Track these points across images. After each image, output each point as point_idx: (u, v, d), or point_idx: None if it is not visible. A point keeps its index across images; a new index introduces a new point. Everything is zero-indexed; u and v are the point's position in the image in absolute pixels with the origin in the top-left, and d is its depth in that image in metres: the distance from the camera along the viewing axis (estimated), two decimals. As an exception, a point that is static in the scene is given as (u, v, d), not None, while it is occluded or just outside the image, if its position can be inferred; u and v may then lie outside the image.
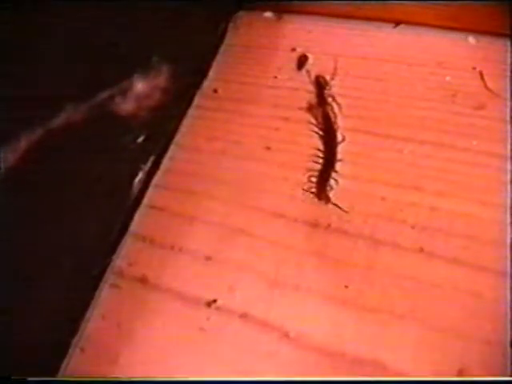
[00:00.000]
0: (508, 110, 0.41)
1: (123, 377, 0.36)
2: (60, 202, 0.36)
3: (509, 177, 0.38)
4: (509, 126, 0.40)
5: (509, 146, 0.40)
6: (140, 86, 0.36)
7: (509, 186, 0.38)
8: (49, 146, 0.30)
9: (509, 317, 0.33)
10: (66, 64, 0.32)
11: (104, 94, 0.34)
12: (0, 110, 0.28)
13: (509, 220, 0.37)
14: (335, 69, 0.39)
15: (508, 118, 0.41)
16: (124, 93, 0.35)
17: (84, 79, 0.33)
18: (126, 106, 0.35)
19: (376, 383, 0.33)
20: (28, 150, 0.29)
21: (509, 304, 0.34)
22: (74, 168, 0.35)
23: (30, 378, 0.31)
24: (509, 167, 0.39)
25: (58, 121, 0.30)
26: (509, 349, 0.32)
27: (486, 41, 0.45)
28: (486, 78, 0.43)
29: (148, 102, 0.36)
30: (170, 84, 0.39)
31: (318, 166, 0.38)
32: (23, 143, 0.29)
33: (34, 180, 0.32)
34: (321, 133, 0.37)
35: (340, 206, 0.38)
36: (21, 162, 0.29)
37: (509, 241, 0.36)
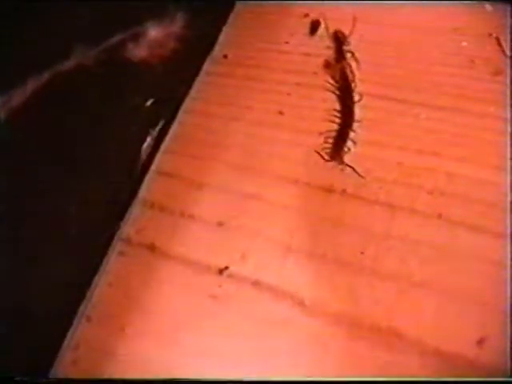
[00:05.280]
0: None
1: (122, 377, 0.35)
2: (65, 161, 0.34)
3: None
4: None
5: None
6: (153, 33, 0.35)
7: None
8: (56, 91, 0.29)
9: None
10: (76, 5, 0.30)
11: (115, 39, 0.32)
12: (6, 50, 0.26)
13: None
14: (350, 33, 0.38)
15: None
16: (136, 39, 0.34)
17: (95, 21, 0.32)
18: (138, 53, 0.34)
19: (376, 383, 0.32)
20: (34, 93, 0.27)
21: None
22: (81, 122, 0.34)
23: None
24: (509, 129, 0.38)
25: (67, 65, 0.29)
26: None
27: (502, 8, 0.44)
28: (503, 44, 0.42)
29: (161, 51, 0.35)
30: (183, 35, 0.38)
31: (335, 127, 0.37)
32: (30, 86, 0.27)
33: (39, 128, 0.31)
34: (337, 92, 0.36)
35: (354, 167, 0.37)
36: (26, 107, 0.27)
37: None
